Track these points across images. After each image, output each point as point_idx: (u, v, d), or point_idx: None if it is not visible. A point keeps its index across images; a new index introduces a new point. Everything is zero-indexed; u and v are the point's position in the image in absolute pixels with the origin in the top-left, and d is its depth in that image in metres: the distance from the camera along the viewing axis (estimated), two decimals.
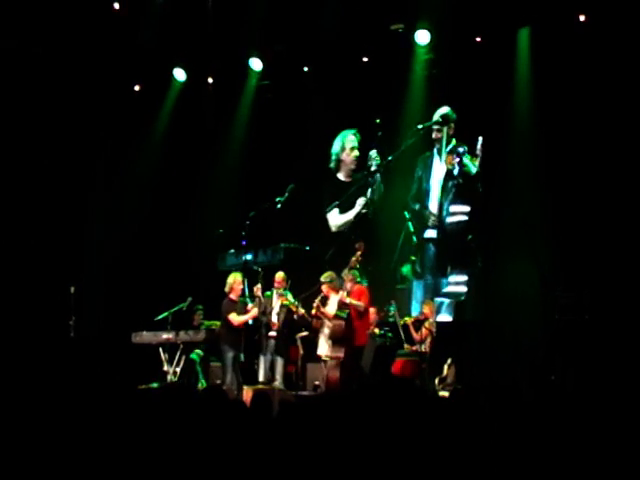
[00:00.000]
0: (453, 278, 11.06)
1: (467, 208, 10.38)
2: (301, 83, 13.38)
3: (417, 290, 12.05)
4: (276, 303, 11.30)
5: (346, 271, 9.95)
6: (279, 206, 10.88)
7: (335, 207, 10.23)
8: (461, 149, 9.67)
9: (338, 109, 12.82)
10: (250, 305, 11.14)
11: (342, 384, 9.34)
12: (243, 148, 14.30)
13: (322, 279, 10.34)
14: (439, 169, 11.19)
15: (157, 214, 14.14)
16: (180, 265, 13.95)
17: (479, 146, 10.05)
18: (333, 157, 10.70)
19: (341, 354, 9.81)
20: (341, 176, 10.60)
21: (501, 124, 11.15)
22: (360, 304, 10.00)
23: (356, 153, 10.64)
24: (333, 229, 10.27)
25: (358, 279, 10.18)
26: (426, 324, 10.59)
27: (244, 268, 11.78)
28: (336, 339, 9.93)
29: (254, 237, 11.45)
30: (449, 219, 11.02)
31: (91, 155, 14.00)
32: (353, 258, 9.85)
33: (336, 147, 10.72)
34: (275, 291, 11.36)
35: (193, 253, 13.94)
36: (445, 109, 10.32)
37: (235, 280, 11.25)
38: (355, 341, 9.86)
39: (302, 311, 11.08)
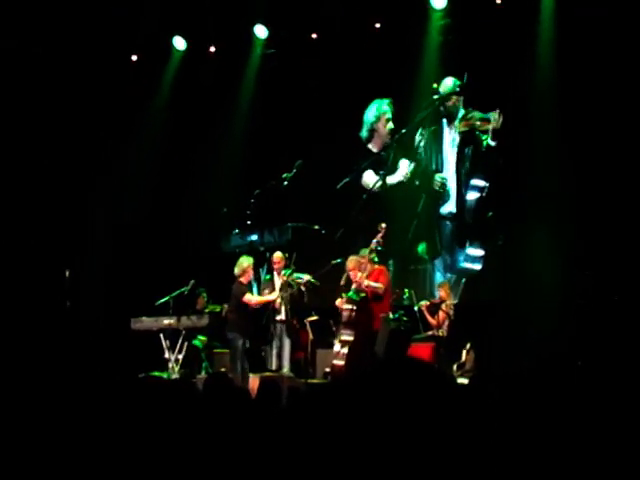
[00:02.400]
0: (471, 251, 11.06)
1: (485, 183, 10.36)
2: (309, 51, 13.27)
3: (434, 271, 12.07)
4: (277, 284, 11.27)
5: (365, 252, 9.96)
6: (286, 183, 10.86)
7: (371, 169, 10.21)
8: (490, 117, 9.63)
9: (348, 78, 12.72)
10: (267, 291, 11.16)
11: (349, 369, 9.36)
12: (248, 122, 14.21)
13: (349, 263, 10.34)
14: (450, 140, 11.16)
15: (158, 193, 14.11)
16: (182, 246, 13.91)
17: (496, 116, 10.00)
18: (366, 126, 10.67)
19: (350, 339, 9.81)
20: (372, 147, 10.58)
21: (521, 93, 11.03)
22: (379, 285, 9.99)
23: (391, 125, 10.62)
24: (365, 186, 10.27)
25: (376, 259, 10.18)
26: (443, 307, 10.56)
27: (249, 249, 11.74)
28: (346, 322, 9.93)
29: (260, 216, 11.44)
30: (469, 195, 11.00)
31: (88, 133, 13.94)
32: (374, 240, 9.84)
33: (370, 116, 10.68)
34: (275, 273, 11.32)
35: (196, 234, 13.90)
36: (451, 79, 10.29)
37: (250, 264, 11.23)
38: (371, 325, 9.85)
39: (307, 277, 10.97)
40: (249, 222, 11.41)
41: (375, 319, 9.88)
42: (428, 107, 10.66)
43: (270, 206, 11.52)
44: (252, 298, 11.09)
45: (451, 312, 10.69)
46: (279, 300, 11.08)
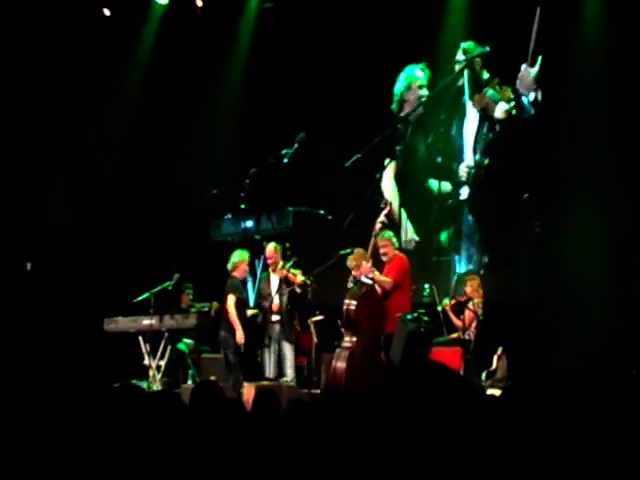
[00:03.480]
0: (480, 254, 11.23)
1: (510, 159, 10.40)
2: (314, 5, 13.25)
3: (458, 263, 12.07)
4: (274, 282, 11.27)
5: (380, 236, 9.95)
6: (286, 160, 10.86)
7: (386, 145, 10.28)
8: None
9: (356, 38, 12.71)
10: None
11: (349, 381, 9.38)
12: (242, 89, 14.22)
13: (349, 262, 10.31)
14: (472, 117, 11.18)
15: (135, 173, 14.11)
16: (165, 235, 13.96)
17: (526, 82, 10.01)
18: (396, 97, 10.69)
19: (350, 343, 9.81)
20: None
21: (557, 56, 10.99)
22: (386, 280, 9.95)
23: (424, 92, 10.62)
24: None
25: (397, 245, 10.16)
26: (470, 305, 10.55)
27: (244, 238, 11.75)
28: (347, 323, 9.92)
29: (256, 199, 11.43)
30: (491, 173, 11.08)
31: (51, 104, 13.89)
32: (377, 221, 9.82)
33: (399, 86, 10.70)
34: (270, 270, 11.31)
35: (181, 220, 13.94)
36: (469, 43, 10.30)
37: (243, 260, 11.20)
38: (380, 326, 9.83)
39: (301, 278, 10.97)
40: (243, 206, 11.41)
41: (388, 319, 9.86)
42: (452, 71, 10.63)
43: (268, 187, 11.51)
44: (230, 304, 11.01)
45: (480, 311, 10.68)
46: (276, 300, 11.09)
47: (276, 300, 11.08)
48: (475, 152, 11.21)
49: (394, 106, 10.68)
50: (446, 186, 11.72)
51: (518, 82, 10.58)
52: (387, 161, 10.35)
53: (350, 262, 10.38)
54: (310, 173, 12.40)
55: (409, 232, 12.04)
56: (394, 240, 10.24)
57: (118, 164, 14.06)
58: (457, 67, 10.67)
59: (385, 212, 9.94)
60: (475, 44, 10.54)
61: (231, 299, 10.94)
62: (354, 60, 12.78)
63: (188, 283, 12.89)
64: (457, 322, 10.77)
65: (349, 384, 9.46)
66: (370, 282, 9.99)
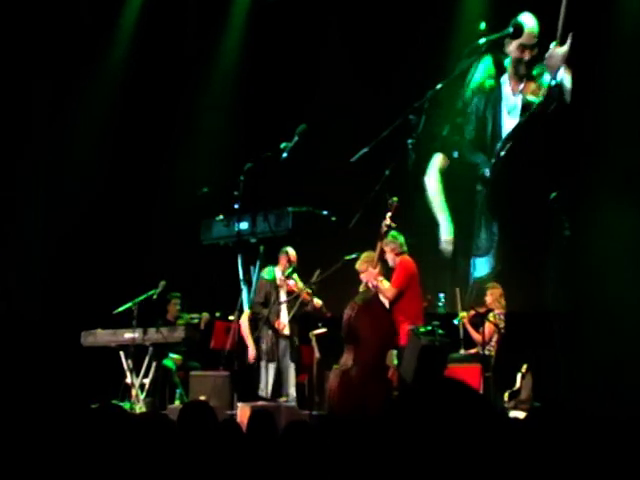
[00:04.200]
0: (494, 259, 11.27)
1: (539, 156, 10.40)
2: None
3: (477, 270, 12.09)
4: (283, 288, 11.29)
5: (386, 239, 9.95)
6: (285, 155, 10.82)
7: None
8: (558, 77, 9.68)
9: (362, 22, 12.73)
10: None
11: (344, 400, 9.41)
12: (236, 77, 14.23)
13: (359, 266, 10.30)
14: (512, 102, 11.17)
15: (117, 169, 14.12)
16: (149, 238, 13.98)
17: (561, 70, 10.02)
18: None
19: (349, 359, 9.80)
20: None
21: (590, 33, 10.99)
22: (387, 289, 9.93)
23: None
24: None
25: (404, 248, 10.15)
26: (490, 317, 10.53)
27: (237, 241, 11.73)
28: (346, 337, 9.93)
29: (251, 198, 11.40)
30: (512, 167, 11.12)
31: (20, 88, 13.88)
32: (383, 224, 9.81)
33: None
34: (280, 271, 11.33)
35: (167, 221, 13.94)
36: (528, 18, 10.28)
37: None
38: (389, 340, 9.83)
39: (319, 302, 11.05)
40: (237, 206, 11.37)
41: (396, 332, 9.85)
42: (471, 55, 10.62)
43: (265, 185, 11.48)
44: (244, 323, 11.13)
45: (501, 324, 10.66)
46: (283, 315, 11.13)
47: (284, 316, 11.12)
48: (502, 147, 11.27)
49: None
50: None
51: (545, 62, 10.59)
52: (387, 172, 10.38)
53: (360, 265, 10.34)
54: (312, 169, 12.43)
55: (447, 231, 12.11)
56: (400, 241, 10.21)
57: (97, 159, 14.07)
58: (481, 42, 10.62)
59: (390, 213, 9.92)
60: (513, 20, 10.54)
61: (245, 313, 11.11)
62: (360, 45, 12.79)
63: (175, 292, 12.88)
64: (476, 336, 10.76)
65: (343, 406, 9.46)
66: (373, 290, 10.01)
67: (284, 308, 11.25)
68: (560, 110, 10.69)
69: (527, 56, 11.11)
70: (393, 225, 9.92)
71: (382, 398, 9.33)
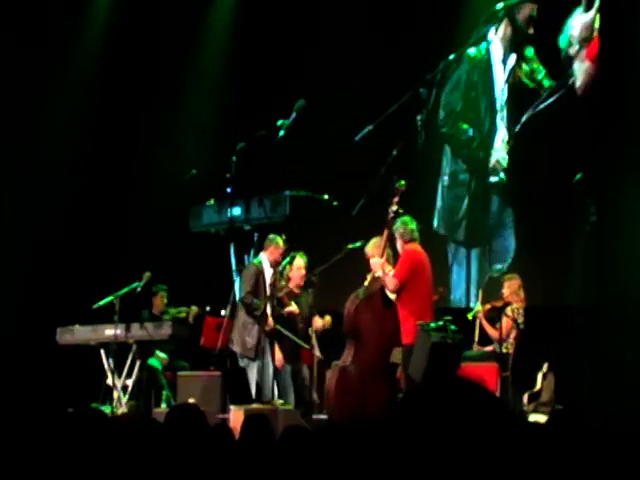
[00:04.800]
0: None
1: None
2: None
3: (494, 260, 12.09)
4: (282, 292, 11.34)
5: (395, 225, 9.95)
6: (282, 133, 10.82)
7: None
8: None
9: None
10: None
11: (341, 401, 9.47)
12: (226, 47, 14.20)
13: (368, 249, 10.29)
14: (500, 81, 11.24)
15: (98, 150, 14.10)
16: (133, 225, 13.99)
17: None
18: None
19: (349, 357, 9.81)
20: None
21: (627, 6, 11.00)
22: (389, 279, 9.92)
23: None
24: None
25: (416, 234, 10.13)
26: (508, 311, 10.54)
27: (230, 229, 11.73)
28: (346, 333, 9.94)
29: (245, 181, 11.40)
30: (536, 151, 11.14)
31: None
32: (390, 209, 9.80)
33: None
34: (268, 262, 11.32)
35: (153, 207, 13.91)
36: None
37: (297, 262, 11.32)
38: (394, 337, 9.84)
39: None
40: (229, 190, 11.39)
41: (401, 328, 9.85)
42: (489, 22, 10.63)
43: (259, 166, 11.48)
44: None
45: (520, 319, 10.67)
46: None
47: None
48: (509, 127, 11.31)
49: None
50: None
51: (570, 30, 10.59)
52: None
53: (370, 249, 10.31)
54: (311, 149, 12.40)
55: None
56: (410, 228, 10.18)
57: (76, 140, 14.03)
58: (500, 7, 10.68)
59: (397, 198, 9.91)
60: None
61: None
62: (365, 10, 12.76)
63: (161, 284, 12.90)
64: (492, 332, 10.76)
65: (339, 406, 9.48)
66: (379, 283, 10.02)
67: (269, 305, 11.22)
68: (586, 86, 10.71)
69: (532, 30, 11.14)
70: (400, 211, 9.90)
71: (383, 400, 9.35)
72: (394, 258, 10.20)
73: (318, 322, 11.12)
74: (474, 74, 12.28)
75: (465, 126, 12.20)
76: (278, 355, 11.11)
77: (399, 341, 9.85)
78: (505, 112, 12.25)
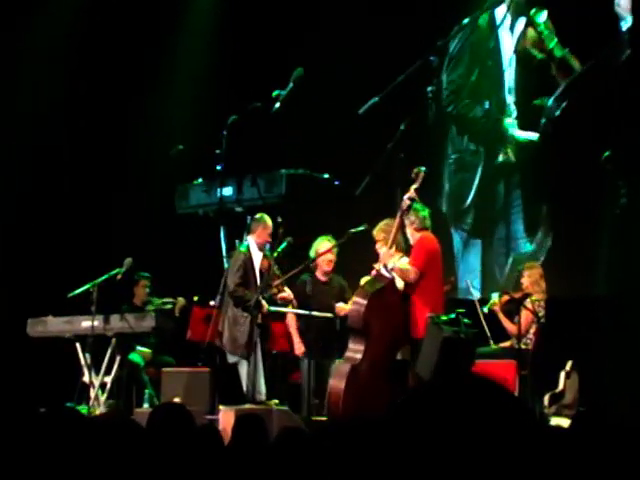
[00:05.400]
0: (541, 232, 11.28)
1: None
2: None
3: (514, 248, 12.10)
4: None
5: (409, 214, 9.96)
6: (278, 105, 10.82)
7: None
8: None
9: None
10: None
11: (349, 404, 9.45)
12: (217, 10, 14.19)
13: (376, 233, 10.29)
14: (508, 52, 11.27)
15: (73, 123, 14.12)
16: (113, 207, 14.01)
17: None
18: None
19: (358, 354, 9.83)
20: None
21: None
22: (408, 268, 9.95)
23: None
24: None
25: (428, 222, 10.15)
26: (527, 303, 10.54)
27: (220, 210, 11.73)
28: (354, 328, 9.95)
29: (236, 158, 11.39)
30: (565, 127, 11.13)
31: None
32: (406, 196, 9.81)
33: None
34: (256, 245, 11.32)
35: (135, 186, 13.96)
36: None
37: (322, 245, 11.34)
38: (404, 332, 9.86)
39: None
40: (219, 167, 11.38)
41: (412, 322, 9.87)
42: None
43: (253, 142, 11.48)
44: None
45: (541, 312, 10.67)
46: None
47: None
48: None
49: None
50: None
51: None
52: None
53: (378, 233, 10.32)
54: (310, 123, 12.42)
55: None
56: (422, 215, 10.20)
57: (56, 117, 14.04)
58: None
59: (417, 185, 9.91)
60: None
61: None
62: None
63: (144, 271, 12.90)
64: (510, 327, 10.76)
65: (348, 410, 9.47)
66: (388, 275, 9.99)
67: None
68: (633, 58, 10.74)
69: None
70: (416, 199, 9.92)
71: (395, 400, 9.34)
72: (406, 245, 10.19)
73: (344, 307, 11.09)
74: (479, 45, 12.30)
75: (467, 101, 12.24)
76: (297, 340, 11.27)
77: (408, 335, 9.86)
78: (514, 85, 12.26)
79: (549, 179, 11.97)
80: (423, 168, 9.85)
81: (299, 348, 11.36)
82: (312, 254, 11.38)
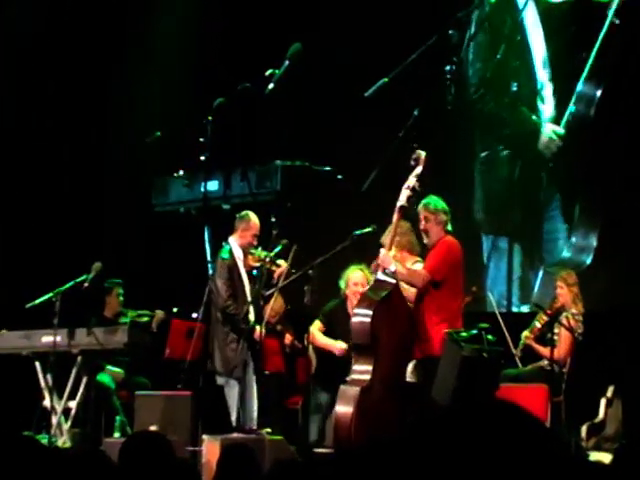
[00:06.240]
0: (579, 234, 11.28)
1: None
2: None
3: (549, 254, 12.14)
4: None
5: (422, 205, 9.94)
6: (272, 87, 10.85)
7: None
8: None
9: None
10: None
11: (362, 432, 9.39)
12: None
13: (384, 238, 10.28)
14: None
15: (37, 106, 14.14)
16: (80, 203, 14.03)
17: None
18: None
19: (365, 375, 9.81)
20: None
21: None
22: (417, 272, 9.92)
23: None
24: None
25: (449, 224, 10.10)
26: (563, 319, 10.57)
27: (204, 208, 11.75)
28: (359, 345, 9.95)
29: (223, 148, 11.43)
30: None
31: None
32: (404, 187, 9.78)
33: None
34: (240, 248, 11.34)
35: (106, 180, 14.04)
36: None
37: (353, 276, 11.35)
38: (417, 348, 9.87)
39: (283, 264, 11.07)
40: (204, 158, 11.39)
41: (426, 337, 9.87)
42: None
43: (243, 129, 11.51)
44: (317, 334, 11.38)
45: (579, 328, 10.67)
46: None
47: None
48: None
49: None
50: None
51: None
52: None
53: (385, 239, 10.31)
54: (309, 107, 12.46)
55: None
56: (442, 215, 10.15)
57: (13, 92, 14.10)
58: None
59: (419, 170, 9.87)
60: None
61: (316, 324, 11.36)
62: None
63: (116, 279, 12.90)
64: (544, 352, 10.76)
65: (359, 439, 9.46)
66: (391, 279, 9.94)
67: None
68: None
69: None
70: (418, 189, 9.87)
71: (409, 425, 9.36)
72: (422, 248, 10.16)
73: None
74: (500, 18, 12.36)
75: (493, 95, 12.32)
76: (339, 344, 11.19)
77: (418, 350, 9.87)
78: (547, 59, 12.29)
79: (585, 173, 12.00)
80: (423, 151, 9.82)
81: (339, 348, 11.21)
82: (342, 284, 11.36)
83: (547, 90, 12.33)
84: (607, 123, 11.61)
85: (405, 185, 9.76)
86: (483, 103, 12.70)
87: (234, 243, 11.15)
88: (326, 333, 11.25)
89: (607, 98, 11.70)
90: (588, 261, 11.75)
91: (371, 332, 9.77)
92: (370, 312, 9.79)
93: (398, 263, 9.88)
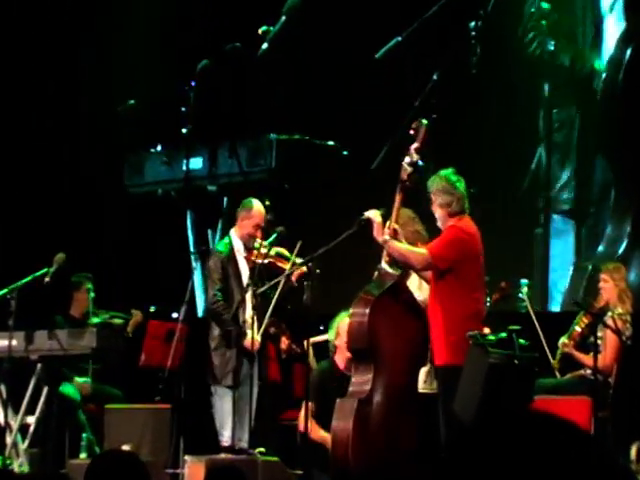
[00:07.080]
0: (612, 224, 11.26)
1: None
2: None
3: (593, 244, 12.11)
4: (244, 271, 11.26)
5: (431, 181, 9.86)
6: (266, 47, 10.86)
7: None
8: None
9: None
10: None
11: (360, 450, 9.42)
12: None
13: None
14: None
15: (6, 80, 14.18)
16: (41, 185, 14.02)
17: None
18: None
19: (365, 385, 9.77)
20: None
21: None
22: (412, 251, 9.81)
23: None
24: None
25: (466, 205, 9.99)
26: (608, 320, 10.54)
27: (186, 189, 11.74)
28: (356, 350, 9.95)
29: (208, 120, 11.40)
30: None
31: None
32: (407, 158, 9.71)
33: None
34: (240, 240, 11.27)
35: (71, 157, 14.02)
36: None
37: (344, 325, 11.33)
38: (429, 354, 9.82)
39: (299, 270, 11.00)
40: (185, 130, 11.37)
41: (440, 341, 9.79)
42: None
43: (231, 97, 11.48)
44: None
45: (628, 330, 10.64)
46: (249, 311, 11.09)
47: (250, 311, 11.10)
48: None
49: None
50: None
51: None
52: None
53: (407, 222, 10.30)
54: (309, 72, 12.37)
55: None
56: (445, 196, 10.03)
57: None
58: None
59: (418, 144, 9.80)
60: None
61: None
62: None
63: (85, 272, 12.87)
64: (587, 361, 10.77)
65: (359, 457, 9.45)
66: (393, 272, 9.84)
67: (249, 306, 11.18)
68: None
69: None
70: (419, 161, 9.83)
71: (415, 440, 9.44)
72: (431, 234, 10.09)
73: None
74: None
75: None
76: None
77: (431, 357, 9.81)
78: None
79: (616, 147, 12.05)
80: (425, 121, 9.78)
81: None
82: (331, 335, 11.21)
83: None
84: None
85: (405, 160, 9.72)
86: (537, 45, 12.62)
87: (234, 236, 11.11)
88: (320, 410, 11.12)
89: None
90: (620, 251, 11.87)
91: (368, 332, 9.74)
92: (366, 310, 9.77)
93: (395, 240, 9.78)
